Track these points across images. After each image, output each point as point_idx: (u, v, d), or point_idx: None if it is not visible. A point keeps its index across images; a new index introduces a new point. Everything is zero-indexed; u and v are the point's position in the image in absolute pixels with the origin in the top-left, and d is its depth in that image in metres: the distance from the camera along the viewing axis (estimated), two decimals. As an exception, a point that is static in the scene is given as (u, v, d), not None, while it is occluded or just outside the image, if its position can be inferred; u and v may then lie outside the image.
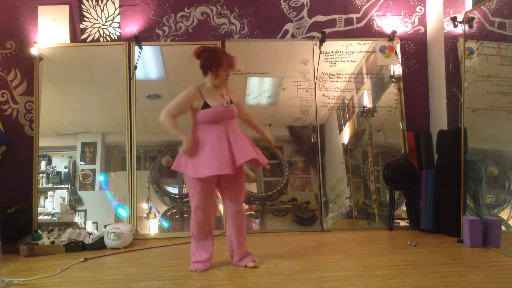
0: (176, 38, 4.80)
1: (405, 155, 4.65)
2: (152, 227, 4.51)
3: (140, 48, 4.66)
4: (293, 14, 4.89)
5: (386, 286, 2.69)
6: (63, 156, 4.56)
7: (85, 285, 2.95)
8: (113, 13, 4.76)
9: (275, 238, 4.23)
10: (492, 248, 3.54)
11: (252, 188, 4.63)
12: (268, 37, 4.84)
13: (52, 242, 3.96)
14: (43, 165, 4.49)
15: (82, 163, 4.57)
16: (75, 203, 4.46)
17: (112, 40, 4.74)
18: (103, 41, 4.74)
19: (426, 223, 4.34)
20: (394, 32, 4.83)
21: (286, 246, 3.89)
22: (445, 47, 4.55)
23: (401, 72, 4.84)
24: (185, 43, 4.75)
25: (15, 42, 4.68)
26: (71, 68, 4.64)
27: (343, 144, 4.78)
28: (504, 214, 3.74)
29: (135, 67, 4.62)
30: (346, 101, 4.83)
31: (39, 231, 4.17)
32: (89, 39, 4.75)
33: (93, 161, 4.59)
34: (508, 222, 3.70)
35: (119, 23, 4.77)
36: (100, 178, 4.51)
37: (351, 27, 4.93)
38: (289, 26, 4.88)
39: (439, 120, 4.66)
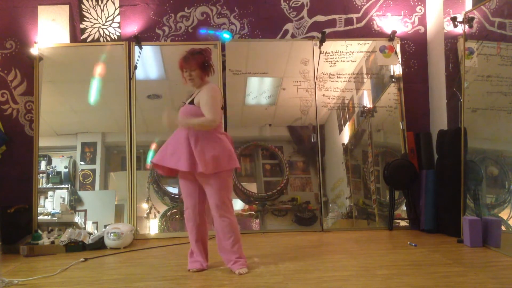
0: (176, 38, 4.80)
1: (405, 155, 4.65)
2: (152, 227, 4.51)
3: (140, 48, 4.66)
4: (293, 14, 4.89)
5: (386, 286, 2.69)
6: (63, 156, 4.56)
7: (85, 285, 2.95)
8: (113, 13, 4.76)
9: (275, 238, 4.23)
10: (492, 248, 3.54)
11: (252, 188, 4.63)
12: (268, 37, 4.84)
13: (52, 242, 3.96)
14: (43, 165, 4.49)
15: (82, 163, 4.57)
16: (75, 203, 4.46)
17: (112, 40, 4.74)
18: (103, 41, 4.74)
19: (426, 223, 4.34)
20: (394, 32, 4.83)
21: (286, 246, 3.89)
22: (445, 47, 4.55)
23: (401, 72, 4.84)
24: (185, 43, 4.75)
25: (15, 42, 4.68)
26: (71, 68, 4.65)
27: (343, 144, 4.78)
28: (504, 214, 3.74)
29: (135, 67, 4.62)
30: (346, 101, 4.83)
31: (39, 231, 4.17)
32: (89, 39, 4.75)
33: (93, 161, 4.59)
34: (508, 222, 3.69)
35: (119, 23, 4.77)
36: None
37: (351, 27, 4.93)
38: (289, 26, 4.88)
39: (439, 120, 4.66)
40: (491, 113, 3.99)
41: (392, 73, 4.85)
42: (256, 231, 4.54)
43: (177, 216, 4.55)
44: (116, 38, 4.75)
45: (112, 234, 3.97)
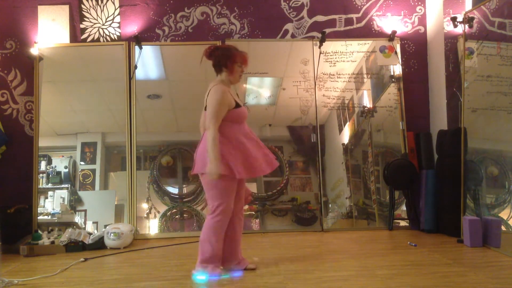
0: (176, 38, 4.80)
1: (405, 155, 4.65)
2: (152, 227, 4.51)
3: (140, 48, 4.66)
4: (293, 14, 4.89)
5: (386, 286, 2.69)
6: (63, 156, 4.56)
7: (85, 285, 2.95)
8: (113, 13, 4.76)
9: (275, 238, 4.23)
10: (492, 248, 3.54)
11: (252, 188, 4.63)
12: (268, 37, 4.84)
13: (52, 242, 3.96)
14: (43, 165, 4.49)
15: (82, 163, 4.58)
16: (75, 203, 4.46)
17: (112, 40, 4.74)
18: (103, 41, 4.74)
19: (426, 223, 4.34)
20: (394, 32, 4.83)
21: (286, 246, 3.89)
22: (445, 47, 4.55)
23: (401, 72, 4.84)
24: (185, 43, 4.76)
25: (15, 42, 4.68)
26: (71, 68, 4.65)
27: (343, 144, 4.78)
28: (504, 214, 3.74)
29: (135, 67, 4.62)
30: (346, 101, 4.83)
31: (39, 231, 4.17)
32: (89, 39, 4.75)
33: (93, 161, 4.59)
34: (508, 222, 3.70)
35: (119, 23, 4.77)
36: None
37: (351, 27, 4.93)
38: (289, 26, 4.88)
39: (439, 120, 4.66)
40: (491, 113, 3.99)
41: (392, 73, 4.85)
42: (256, 231, 4.54)
43: (177, 216, 4.55)
44: (116, 38, 4.75)
45: (112, 234, 3.97)
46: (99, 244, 3.99)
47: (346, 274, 2.97)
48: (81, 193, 4.50)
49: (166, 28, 4.80)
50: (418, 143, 4.70)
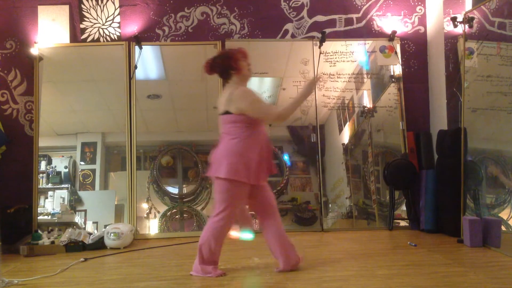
0: (176, 38, 4.80)
1: (405, 155, 4.65)
2: (152, 227, 4.51)
3: (140, 48, 4.66)
4: (293, 14, 4.89)
5: (386, 286, 2.69)
6: (63, 156, 4.56)
7: (85, 285, 2.95)
8: (113, 13, 4.76)
9: (275, 238, 4.23)
10: (492, 248, 3.54)
11: (252, 188, 4.62)
12: (268, 37, 4.84)
13: (52, 242, 3.96)
14: (43, 165, 4.49)
15: (82, 163, 4.58)
16: (75, 203, 4.46)
17: (112, 40, 4.74)
18: (103, 41, 4.74)
19: (426, 223, 4.34)
20: (394, 32, 4.83)
21: (286, 246, 3.89)
22: (445, 47, 4.55)
23: (401, 72, 4.84)
24: (185, 43, 4.76)
25: (15, 42, 4.68)
26: (71, 68, 4.65)
27: (343, 144, 4.78)
28: (504, 214, 3.74)
29: (135, 67, 4.62)
30: (346, 101, 4.83)
31: (39, 231, 4.17)
32: (89, 39, 4.75)
33: (93, 161, 4.59)
34: (508, 222, 3.70)
35: (119, 23, 4.77)
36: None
37: (351, 27, 4.93)
38: (289, 26, 4.88)
39: (439, 120, 4.66)
40: (491, 113, 3.99)
41: (392, 73, 4.85)
42: (256, 231, 4.53)
43: (177, 216, 4.55)
44: (116, 38, 4.75)
45: (112, 234, 3.97)
46: (99, 244, 3.99)
47: (346, 274, 2.97)
48: (81, 193, 4.50)
49: (166, 28, 4.80)
50: (418, 143, 4.70)
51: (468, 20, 4.11)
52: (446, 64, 4.55)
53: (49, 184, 4.48)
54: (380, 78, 4.87)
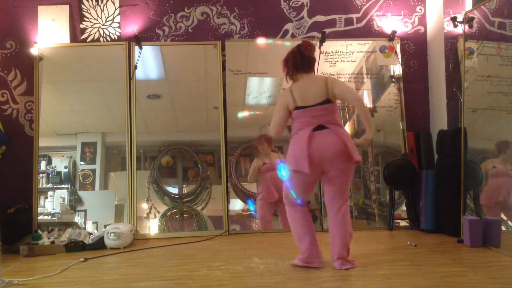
0: (176, 38, 4.80)
1: (405, 155, 4.65)
2: (152, 227, 4.51)
3: (140, 48, 4.66)
4: (293, 14, 4.89)
5: (386, 286, 2.69)
6: (63, 156, 4.56)
7: (85, 285, 2.95)
8: (113, 13, 4.76)
9: (275, 238, 4.23)
10: (492, 248, 3.54)
11: (253, 188, 4.63)
12: (268, 37, 4.83)
13: (52, 242, 3.96)
14: (43, 165, 4.49)
15: (82, 163, 4.58)
16: (75, 203, 4.46)
17: (112, 40, 4.74)
18: (103, 41, 4.74)
19: (426, 223, 4.34)
20: (394, 32, 4.83)
21: (286, 246, 3.89)
22: (445, 47, 4.55)
23: (401, 72, 4.84)
24: (185, 43, 4.76)
25: (15, 42, 4.68)
26: (71, 68, 4.65)
27: (343, 144, 4.77)
28: (504, 214, 3.74)
29: (135, 67, 4.62)
30: (346, 101, 4.82)
31: (39, 231, 4.17)
32: (89, 39, 4.75)
33: (93, 161, 4.59)
34: (508, 222, 3.70)
35: (119, 23, 4.77)
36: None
37: (351, 27, 4.93)
38: (289, 26, 4.88)
39: (439, 120, 4.66)
40: (491, 113, 3.99)
41: (392, 73, 4.85)
42: (256, 231, 4.54)
43: (177, 216, 4.55)
44: (116, 38, 4.75)
45: (112, 234, 3.97)
46: (99, 244, 3.99)
47: (346, 274, 2.97)
48: (81, 193, 4.50)
49: (166, 28, 4.80)
50: (418, 143, 4.70)
51: (468, 20, 4.11)
52: (446, 64, 4.56)
53: (49, 184, 4.48)
54: (380, 78, 4.87)
